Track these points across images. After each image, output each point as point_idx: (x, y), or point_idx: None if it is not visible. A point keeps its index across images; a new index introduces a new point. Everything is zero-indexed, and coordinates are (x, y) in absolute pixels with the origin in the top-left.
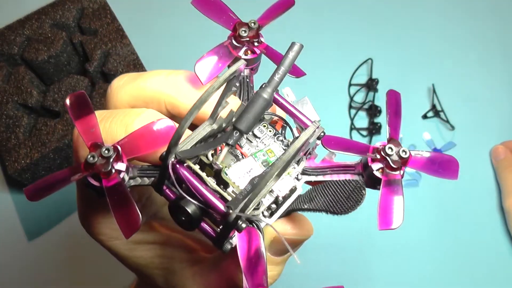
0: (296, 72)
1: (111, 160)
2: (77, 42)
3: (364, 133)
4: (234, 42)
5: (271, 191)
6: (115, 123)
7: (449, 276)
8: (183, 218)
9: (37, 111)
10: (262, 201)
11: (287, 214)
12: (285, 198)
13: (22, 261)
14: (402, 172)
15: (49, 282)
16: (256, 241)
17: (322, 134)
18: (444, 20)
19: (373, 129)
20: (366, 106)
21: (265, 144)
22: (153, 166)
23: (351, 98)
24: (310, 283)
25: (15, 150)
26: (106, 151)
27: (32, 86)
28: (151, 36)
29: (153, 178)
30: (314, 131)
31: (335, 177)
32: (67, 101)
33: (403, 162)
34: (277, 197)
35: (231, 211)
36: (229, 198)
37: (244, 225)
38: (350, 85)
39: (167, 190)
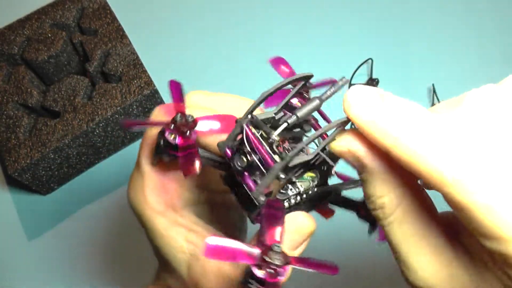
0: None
1: (191, 124)
2: (77, 42)
3: None
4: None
5: (294, 183)
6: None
7: None
8: (239, 165)
9: (37, 111)
10: (287, 190)
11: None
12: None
13: (22, 261)
14: None
15: (49, 282)
16: (280, 212)
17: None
18: (444, 20)
19: None
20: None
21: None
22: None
23: None
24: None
25: (15, 150)
26: (190, 117)
27: (32, 86)
28: (151, 36)
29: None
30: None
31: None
32: (171, 86)
33: None
34: (298, 192)
35: (277, 162)
36: (275, 158)
37: (282, 176)
38: (350, 85)
39: (227, 149)
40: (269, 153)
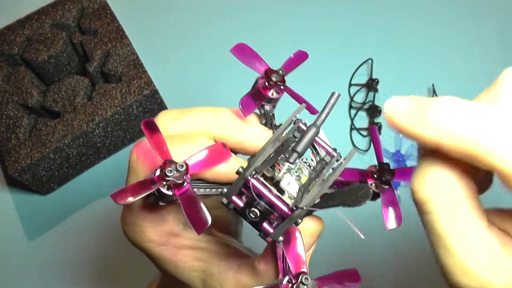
0: (311, 110)
1: (184, 173)
2: (77, 42)
3: (364, 133)
4: (266, 84)
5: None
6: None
7: None
8: (253, 216)
9: (37, 111)
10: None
11: (308, 214)
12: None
13: (22, 261)
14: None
15: (49, 282)
16: (296, 236)
17: (340, 158)
18: (444, 20)
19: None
20: (366, 106)
21: (296, 165)
22: (206, 182)
23: (351, 98)
24: None
25: (15, 150)
26: (181, 167)
27: (32, 86)
28: (151, 36)
29: (214, 190)
30: (339, 158)
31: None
32: (142, 125)
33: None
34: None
35: (294, 208)
36: (287, 201)
37: (300, 220)
38: (350, 85)
39: (234, 198)
40: (282, 200)
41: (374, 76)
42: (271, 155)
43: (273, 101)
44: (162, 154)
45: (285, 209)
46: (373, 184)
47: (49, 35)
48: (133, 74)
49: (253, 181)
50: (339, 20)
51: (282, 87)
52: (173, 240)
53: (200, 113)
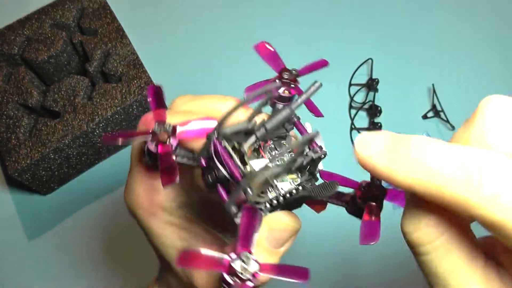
0: (315, 112)
1: (169, 133)
2: (77, 42)
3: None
4: (277, 81)
5: (275, 187)
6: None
7: None
8: (210, 177)
9: (37, 111)
10: (267, 192)
11: (286, 208)
12: (284, 198)
13: (22, 261)
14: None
15: (49, 282)
16: (256, 218)
17: (323, 156)
18: (444, 20)
19: (374, 129)
20: (366, 106)
21: (282, 156)
22: (192, 153)
23: (351, 98)
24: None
25: (15, 150)
26: (167, 126)
27: (32, 86)
28: (151, 36)
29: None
30: (318, 152)
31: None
32: (149, 92)
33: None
34: (278, 195)
35: (244, 180)
36: (242, 168)
37: (251, 195)
38: (350, 85)
39: (202, 160)
40: (238, 166)
41: (374, 76)
42: (242, 131)
43: (284, 100)
44: (157, 115)
45: (236, 173)
46: (359, 200)
47: (49, 35)
48: (133, 74)
49: (215, 140)
50: (339, 20)
51: (293, 86)
52: (163, 214)
53: (209, 98)
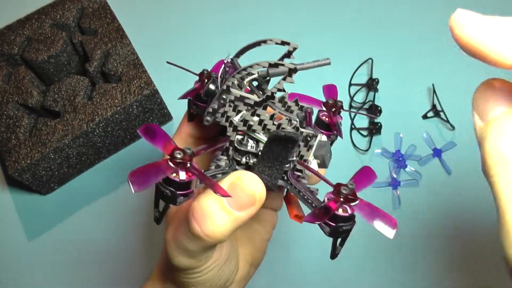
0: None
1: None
2: (77, 42)
3: (365, 133)
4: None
5: (254, 133)
6: None
7: (449, 276)
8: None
9: (37, 111)
10: (247, 142)
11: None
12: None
13: (22, 261)
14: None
15: (49, 282)
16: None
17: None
18: (444, 20)
19: (374, 129)
20: (366, 106)
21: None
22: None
23: (352, 98)
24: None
25: (15, 150)
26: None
27: (32, 86)
28: (151, 36)
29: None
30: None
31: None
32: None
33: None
34: (257, 143)
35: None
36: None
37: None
38: (350, 85)
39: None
40: (224, 79)
41: (374, 76)
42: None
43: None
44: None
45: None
46: (341, 210)
47: (49, 35)
48: (133, 74)
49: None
50: (339, 20)
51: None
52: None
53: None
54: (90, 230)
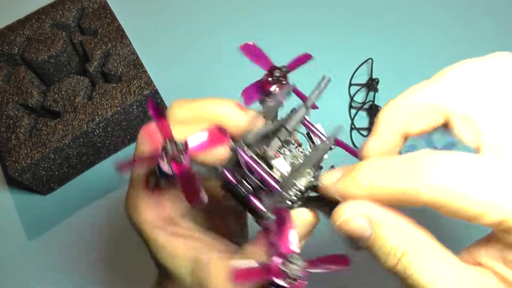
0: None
1: (183, 150)
2: (77, 42)
3: (364, 133)
4: (269, 79)
5: (295, 185)
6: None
7: None
8: (242, 189)
9: (38, 111)
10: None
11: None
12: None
13: (22, 261)
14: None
15: (49, 282)
16: (289, 219)
17: (332, 147)
18: (444, 20)
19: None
20: (366, 106)
21: (291, 151)
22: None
23: (351, 98)
24: None
25: (15, 150)
26: (181, 145)
27: (32, 86)
28: (151, 36)
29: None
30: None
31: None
32: (149, 106)
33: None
34: (299, 190)
35: (281, 189)
36: (276, 176)
37: (293, 203)
38: (350, 85)
39: (226, 173)
40: (270, 174)
41: (374, 76)
42: (267, 137)
43: (275, 97)
44: (164, 133)
45: (274, 183)
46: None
47: (49, 35)
48: (133, 74)
49: (242, 153)
50: (339, 20)
51: (284, 82)
52: (169, 226)
53: (205, 101)
54: (90, 230)
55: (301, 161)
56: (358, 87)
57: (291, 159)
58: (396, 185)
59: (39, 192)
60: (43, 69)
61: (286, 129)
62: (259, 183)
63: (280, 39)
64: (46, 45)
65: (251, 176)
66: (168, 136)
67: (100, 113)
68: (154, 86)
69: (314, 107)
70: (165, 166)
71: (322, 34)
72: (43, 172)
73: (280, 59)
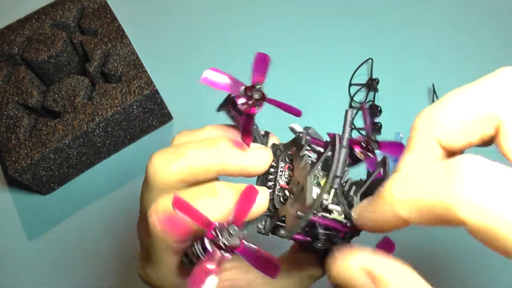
0: (294, 112)
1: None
2: (77, 42)
3: (364, 133)
4: (249, 103)
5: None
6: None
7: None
8: (321, 245)
9: (38, 111)
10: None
11: None
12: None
13: (22, 261)
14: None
15: (49, 282)
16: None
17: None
18: (444, 20)
19: (374, 129)
20: (366, 106)
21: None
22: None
23: (352, 98)
24: None
25: (15, 151)
26: (232, 229)
27: (32, 86)
28: (151, 36)
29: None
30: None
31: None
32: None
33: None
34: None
35: (348, 223)
36: (341, 220)
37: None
38: (350, 85)
39: (298, 236)
40: (340, 222)
41: (374, 76)
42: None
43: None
44: (200, 222)
45: (344, 228)
46: (360, 153)
47: (49, 35)
48: (133, 74)
49: (317, 219)
50: (339, 20)
51: (264, 100)
52: None
53: (196, 151)
54: (90, 230)
55: (322, 176)
56: (358, 87)
57: (313, 179)
58: (424, 197)
59: (39, 192)
60: (43, 69)
61: (338, 177)
62: (328, 232)
63: (280, 39)
64: (46, 45)
65: (322, 230)
66: (209, 224)
67: (100, 113)
68: (154, 86)
69: (298, 113)
70: (211, 253)
71: (322, 34)
72: (43, 172)
73: (280, 59)
